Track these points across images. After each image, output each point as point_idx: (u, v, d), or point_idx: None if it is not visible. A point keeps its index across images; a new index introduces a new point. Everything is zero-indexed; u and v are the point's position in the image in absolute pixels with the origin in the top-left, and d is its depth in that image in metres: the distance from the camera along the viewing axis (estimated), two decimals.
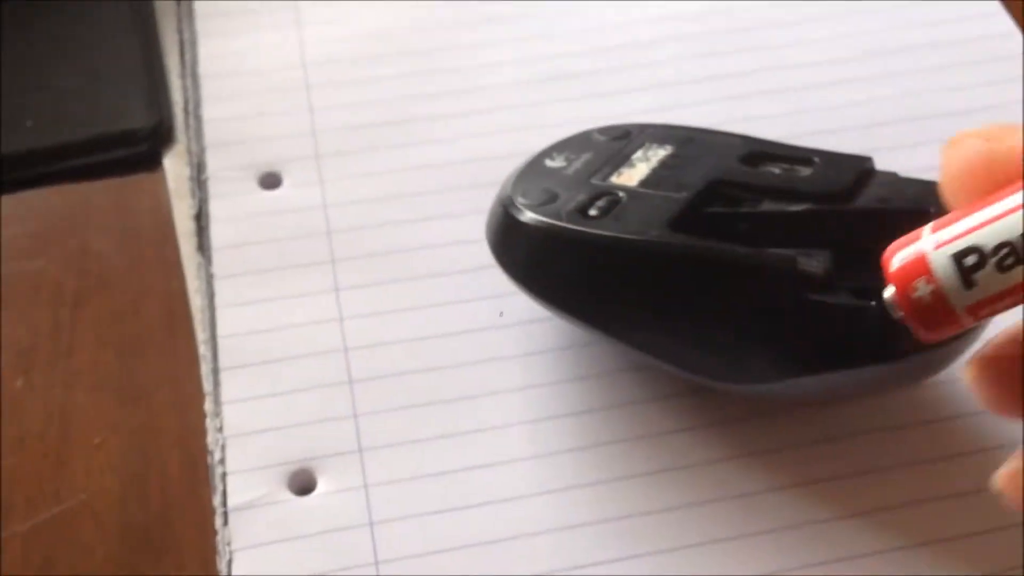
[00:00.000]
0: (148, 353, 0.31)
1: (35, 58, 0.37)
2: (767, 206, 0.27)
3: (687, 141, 0.29)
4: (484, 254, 0.31)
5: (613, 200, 0.27)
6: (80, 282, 0.33)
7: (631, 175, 0.28)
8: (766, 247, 0.26)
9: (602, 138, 0.30)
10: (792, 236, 0.26)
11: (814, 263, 0.25)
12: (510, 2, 0.38)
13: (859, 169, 0.28)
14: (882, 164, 0.28)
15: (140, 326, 0.32)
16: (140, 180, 0.35)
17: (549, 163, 0.29)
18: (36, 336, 0.32)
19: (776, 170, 0.28)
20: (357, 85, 0.36)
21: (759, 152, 0.29)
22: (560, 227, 0.27)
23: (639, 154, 0.29)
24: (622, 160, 0.29)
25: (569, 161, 0.29)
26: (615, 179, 0.28)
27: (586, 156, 0.29)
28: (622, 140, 0.30)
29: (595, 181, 0.28)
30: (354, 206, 0.33)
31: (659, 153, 0.29)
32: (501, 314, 0.30)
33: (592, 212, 0.27)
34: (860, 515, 0.26)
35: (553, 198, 0.28)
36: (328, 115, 0.35)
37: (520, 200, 0.28)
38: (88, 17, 0.38)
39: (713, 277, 0.26)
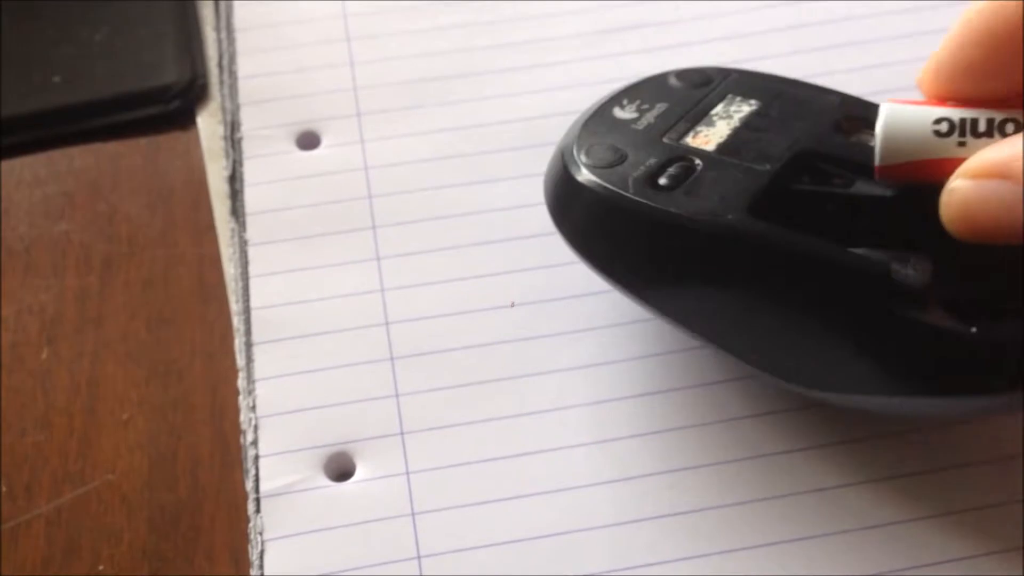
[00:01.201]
0: (180, 324, 0.30)
1: (62, 10, 0.35)
2: (861, 187, 0.24)
3: (775, 96, 0.26)
4: (537, 221, 0.28)
5: (687, 168, 0.24)
6: (109, 247, 0.31)
7: (709, 136, 0.25)
8: (858, 236, 0.22)
9: (679, 84, 0.27)
10: (888, 226, 0.23)
11: (911, 272, 0.22)
12: None
13: None
14: None
15: (171, 295, 0.30)
16: (172, 139, 0.33)
17: (618, 112, 0.26)
18: (62, 304, 0.30)
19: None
20: (403, 37, 0.34)
21: (857, 116, 0.25)
22: (626, 199, 0.24)
23: (720, 108, 0.26)
24: (700, 115, 0.26)
25: (641, 112, 0.26)
26: (691, 140, 0.25)
27: (660, 107, 0.26)
28: (702, 88, 0.26)
29: (668, 141, 0.25)
30: (398, 168, 0.30)
31: (742, 109, 0.26)
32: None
33: (662, 181, 0.24)
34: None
35: (620, 159, 0.25)
36: (371, 69, 0.33)
37: (583, 159, 0.25)
38: None
39: (791, 275, 0.23)
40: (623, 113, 0.26)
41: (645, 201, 0.24)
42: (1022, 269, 0.21)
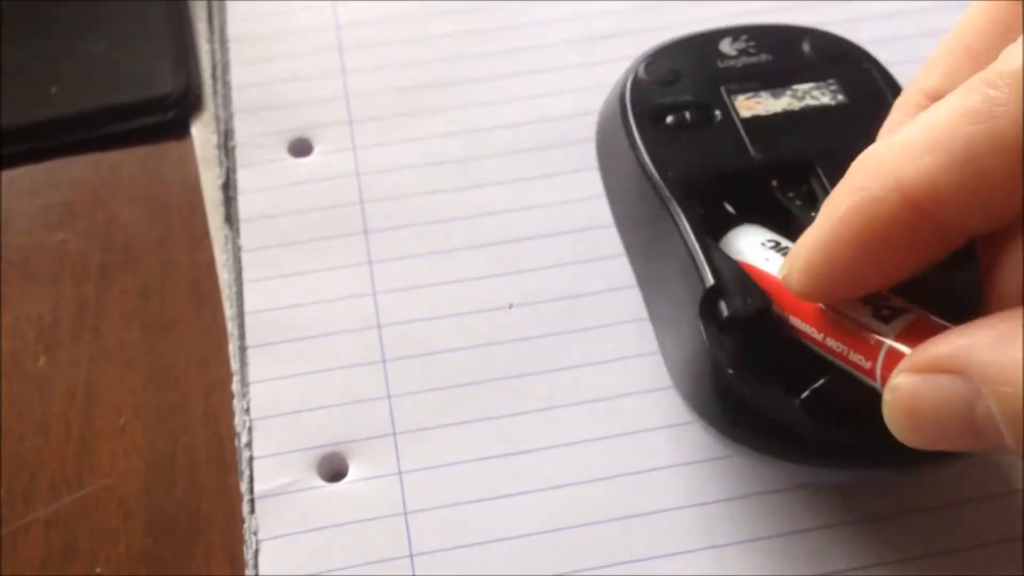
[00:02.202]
0: (175, 331, 0.30)
1: (60, 23, 0.36)
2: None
3: (875, 101, 0.25)
4: (527, 225, 0.29)
5: (704, 119, 0.25)
6: (106, 256, 0.32)
7: (759, 104, 0.26)
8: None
9: (806, 46, 0.27)
10: None
11: (739, 304, 0.22)
12: None
13: None
14: None
15: (167, 302, 0.31)
16: (168, 148, 0.34)
17: (723, 44, 0.27)
18: (60, 312, 0.30)
19: None
20: (393, 46, 0.34)
21: None
22: (625, 120, 0.25)
23: (804, 87, 0.26)
24: (782, 82, 0.26)
25: (741, 53, 0.27)
26: (742, 100, 0.26)
27: (765, 57, 0.27)
28: (822, 61, 0.27)
29: (728, 88, 0.26)
30: (389, 174, 0.31)
31: (821, 99, 0.26)
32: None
33: (669, 119, 0.25)
34: None
35: (671, 81, 0.26)
36: (362, 78, 0.33)
37: (642, 70, 0.26)
38: None
39: (667, 251, 0.24)
40: (726, 46, 0.27)
41: (629, 131, 0.25)
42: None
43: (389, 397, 0.27)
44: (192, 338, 0.30)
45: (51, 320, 0.30)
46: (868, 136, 0.24)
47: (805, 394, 0.21)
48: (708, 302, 0.23)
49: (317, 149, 0.32)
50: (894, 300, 0.21)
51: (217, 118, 0.33)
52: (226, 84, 0.33)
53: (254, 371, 0.27)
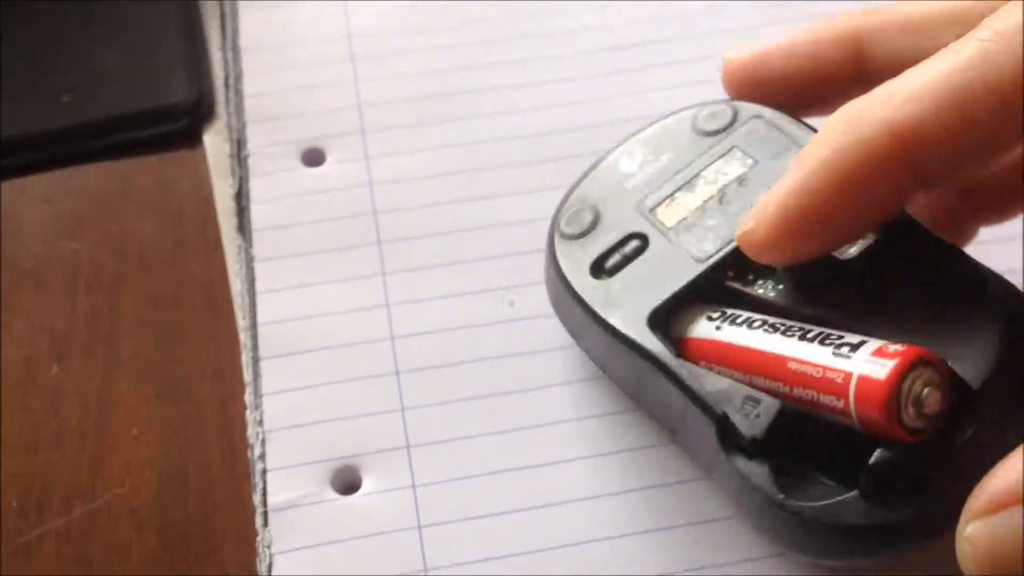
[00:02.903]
0: (189, 341, 0.30)
1: (72, 31, 0.36)
2: (781, 293, 0.23)
3: (778, 154, 0.25)
4: (540, 237, 0.29)
5: (639, 248, 0.25)
6: (119, 265, 0.32)
7: (678, 208, 0.25)
8: None
9: (696, 130, 0.26)
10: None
11: (749, 418, 0.22)
12: None
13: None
14: None
15: (180, 312, 0.31)
16: (180, 157, 0.34)
17: (623, 164, 0.26)
18: (73, 322, 0.30)
19: None
20: (405, 56, 0.34)
21: None
22: (568, 286, 0.25)
23: (711, 170, 0.25)
24: (690, 176, 0.25)
25: (642, 166, 0.26)
26: (663, 210, 0.25)
27: (665, 158, 0.26)
28: (717, 135, 0.26)
29: (646, 205, 0.25)
30: (402, 184, 0.31)
31: (731, 172, 0.25)
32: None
33: (609, 263, 0.25)
34: None
35: (592, 226, 0.26)
36: (375, 87, 0.33)
37: (563, 224, 0.26)
38: None
39: (660, 392, 0.24)
40: (627, 165, 0.26)
41: (580, 293, 0.25)
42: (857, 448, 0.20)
43: (403, 410, 0.27)
44: (205, 348, 0.30)
45: (64, 329, 0.30)
46: None
47: (861, 482, 0.20)
48: (725, 434, 0.22)
49: (329, 159, 0.32)
50: (848, 337, 0.21)
51: (230, 127, 0.33)
52: (238, 93, 0.33)
53: (267, 382, 0.27)
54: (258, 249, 0.30)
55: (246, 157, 0.32)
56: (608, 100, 0.30)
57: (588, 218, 0.26)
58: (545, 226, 0.28)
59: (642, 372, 0.24)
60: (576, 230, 0.26)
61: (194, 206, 0.33)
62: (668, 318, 0.24)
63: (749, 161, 0.25)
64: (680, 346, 0.24)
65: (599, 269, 0.25)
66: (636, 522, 0.25)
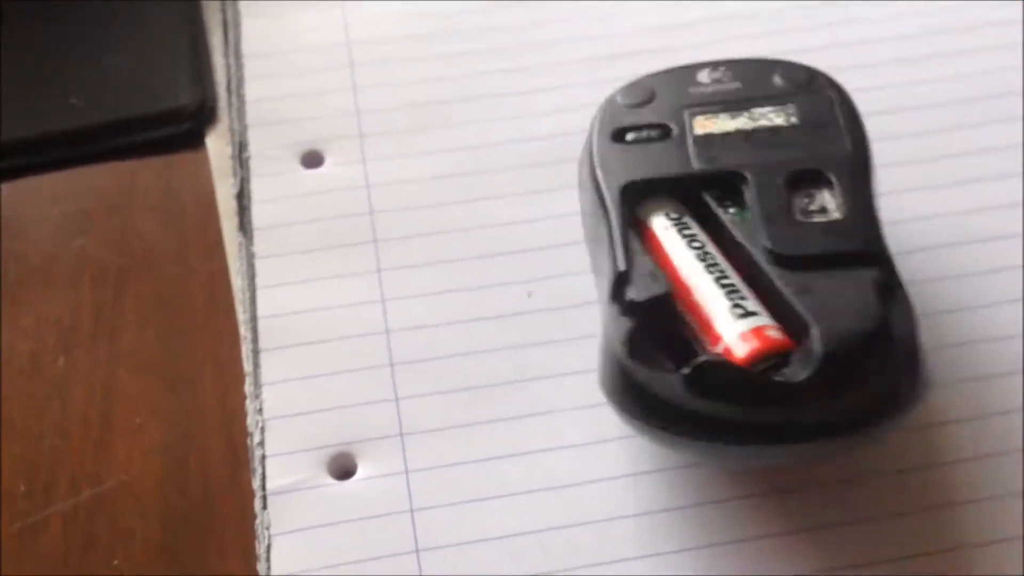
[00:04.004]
0: (191, 335, 0.31)
1: (80, 36, 0.37)
2: (736, 227, 0.26)
3: (822, 125, 0.27)
4: (531, 236, 0.30)
5: (660, 135, 0.28)
6: (123, 261, 0.33)
7: (712, 123, 0.28)
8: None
9: (777, 75, 0.29)
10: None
11: (637, 288, 0.25)
12: None
13: None
14: None
15: (183, 307, 0.32)
16: (183, 159, 0.35)
17: (700, 75, 0.29)
18: (79, 315, 0.32)
19: (806, 200, 0.26)
20: (402, 64, 0.35)
21: (817, 172, 0.27)
22: (590, 140, 0.28)
23: (761, 110, 0.28)
24: (741, 107, 0.28)
25: (714, 82, 0.29)
26: (700, 119, 0.28)
27: (735, 85, 0.29)
28: (788, 87, 0.28)
29: (691, 110, 0.28)
30: (397, 186, 0.32)
31: (774, 120, 0.28)
32: (530, 294, 0.30)
33: (631, 136, 0.28)
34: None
35: (643, 102, 0.28)
36: (372, 94, 0.34)
37: (619, 96, 0.29)
38: None
39: (599, 252, 0.27)
40: (703, 76, 0.29)
41: (592, 147, 0.28)
42: None
43: (396, 400, 0.28)
44: (207, 342, 0.31)
45: (70, 323, 0.31)
46: (809, 154, 0.26)
47: (686, 370, 0.23)
48: (617, 288, 0.25)
49: (328, 161, 0.33)
50: (751, 302, 0.24)
51: (232, 130, 0.34)
52: (240, 98, 0.35)
53: (267, 373, 0.28)
54: (259, 247, 0.31)
55: (247, 159, 0.33)
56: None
57: (641, 97, 0.29)
58: (538, 227, 0.30)
59: (596, 228, 0.27)
60: (625, 101, 0.29)
61: (196, 206, 0.34)
62: (641, 198, 0.27)
63: (794, 120, 0.28)
64: (637, 226, 0.26)
65: (619, 137, 0.28)
66: (621, 506, 0.26)
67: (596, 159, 0.27)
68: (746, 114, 0.28)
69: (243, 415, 0.29)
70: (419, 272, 0.30)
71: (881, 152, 0.28)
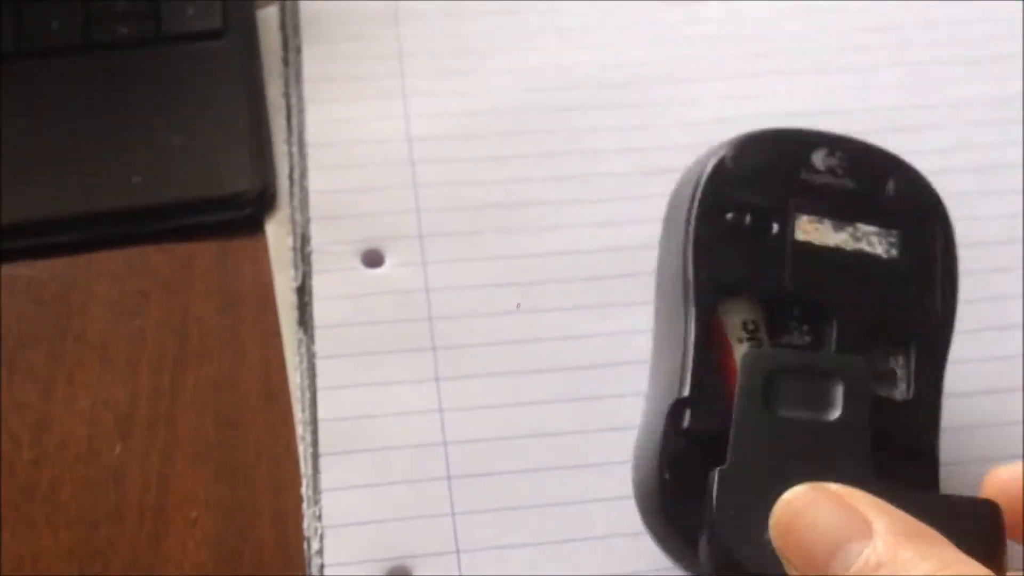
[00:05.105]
0: (245, 426, 0.32)
1: (145, 115, 0.37)
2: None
3: (922, 268, 0.27)
4: (592, 352, 0.31)
5: (760, 227, 0.27)
6: (181, 346, 0.33)
7: (815, 232, 0.27)
8: None
9: (890, 187, 0.28)
10: None
11: (693, 419, 0.25)
12: (621, 91, 0.38)
13: None
14: None
15: (238, 397, 0.32)
16: (241, 244, 0.36)
17: (815, 156, 0.28)
18: (136, 400, 0.32)
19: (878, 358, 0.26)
20: (462, 163, 0.36)
21: (896, 334, 0.26)
22: (691, 206, 0.27)
23: (867, 228, 0.27)
24: (848, 219, 0.27)
25: (828, 170, 0.28)
26: (804, 221, 0.27)
27: (848, 183, 0.27)
28: (898, 203, 0.27)
29: (796, 206, 0.27)
30: (457, 292, 0.33)
31: (876, 247, 0.27)
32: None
33: (729, 215, 0.27)
34: None
35: (750, 174, 0.27)
36: (432, 193, 0.35)
37: (730, 159, 0.28)
38: (196, 77, 0.38)
39: (672, 335, 0.27)
40: (818, 158, 0.28)
41: (696, 222, 0.27)
42: None
43: (453, 515, 0.28)
44: (261, 435, 0.31)
45: (128, 408, 0.32)
46: (898, 301, 0.26)
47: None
48: (677, 408, 0.25)
49: (388, 261, 0.34)
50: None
51: (294, 221, 0.35)
52: (303, 189, 0.35)
53: (326, 479, 0.29)
54: (320, 346, 0.32)
55: (310, 253, 0.34)
56: (654, 222, 0.32)
57: (753, 165, 0.27)
58: (596, 342, 0.30)
59: (671, 305, 0.27)
60: (735, 166, 0.27)
61: (253, 293, 0.35)
62: (726, 293, 0.26)
63: (894, 253, 0.27)
64: (711, 317, 0.26)
65: (720, 211, 0.27)
66: None
67: (692, 232, 0.26)
68: (848, 230, 0.27)
69: (296, 513, 0.30)
70: (477, 383, 0.31)
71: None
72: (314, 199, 0.35)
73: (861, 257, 0.27)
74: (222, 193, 0.36)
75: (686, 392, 0.25)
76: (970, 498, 0.23)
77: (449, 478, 0.29)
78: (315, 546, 0.28)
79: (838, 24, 0.41)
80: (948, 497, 0.23)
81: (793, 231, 0.27)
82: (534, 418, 0.30)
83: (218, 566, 0.29)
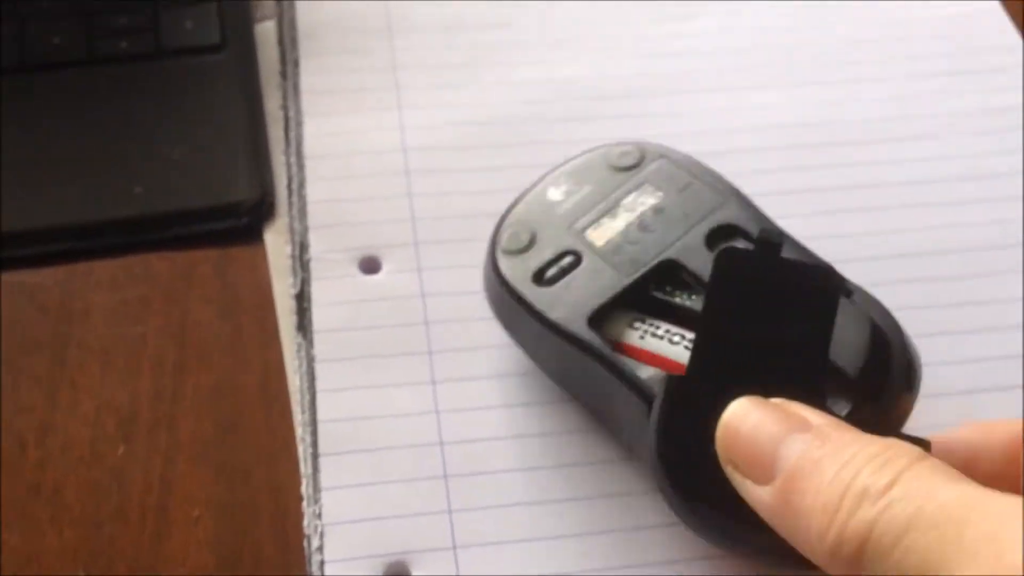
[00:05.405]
0: (245, 428, 0.32)
1: (145, 126, 0.38)
2: (693, 304, 0.28)
3: (684, 187, 0.30)
4: None
5: (573, 263, 0.29)
6: (181, 351, 0.34)
7: (605, 230, 0.30)
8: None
9: (611, 166, 0.31)
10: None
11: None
12: (613, 103, 0.39)
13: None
14: None
15: (238, 400, 0.33)
16: (240, 252, 0.36)
17: (551, 194, 0.31)
18: (137, 403, 0.33)
19: None
20: (456, 173, 0.37)
21: (731, 227, 0.29)
22: (512, 291, 0.29)
23: (629, 200, 0.30)
24: (611, 205, 0.30)
25: (567, 195, 0.31)
26: (591, 232, 0.30)
27: (586, 189, 0.31)
28: (629, 171, 0.31)
29: (573, 230, 0.30)
30: (451, 297, 0.34)
31: (647, 202, 0.30)
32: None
33: (549, 273, 0.29)
34: None
35: (530, 244, 0.30)
36: (427, 202, 0.36)
37: (502, 244, 0.30)
38: (196, 90, 0.39)
39: (596, 382, 0.28)
40: (555, 194, 0.31)
41: (521, 297, 0.29)
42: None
43: (450, 512, 0.29)
44: (261, 437, 0.32)
45: (129, 411, 0.33)
46: (699, 213, 0.29)
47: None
48: (678, 393, 0.26)
49: (385, 268, 0.35)
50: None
51: (292, 229, 0.36)
52: (302, 198, 0.36)
53: (326, 478, 0.30)
54: (319, 350, 0.32)
55: (309, 261, 0.34)
56: None
57: (526, 237, 0.30)
58: None
59: (579, 364, 0.28)
60: (516, 246, 0.30)
61: (252, 299, 0.35)
62: (602, 322, 0.28)
63: (660, 193, 0.30)
64: (612, 347, 0.28)
65: (540, 278, 0.29)
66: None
67: (538, 306, 0.29)
68: (622, 209, 0.30)
69: (295, 512, 0.30)
70: (472, 385, 0.32)
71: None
72: (312, 208, 0.36)
73: (647, 214, 0.30)
74: (221, 202, 0.37)
75: (657, 382, 0.26)
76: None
77: (446, 476, 0.30)
78: (315, 543, 0.29)
79: (828, 37, 0.42)
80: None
81: (594, 244, 0.30)
82: (527, 418, 0.31)
83: (220, 565, 0.30)
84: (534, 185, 0.32)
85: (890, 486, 0.20)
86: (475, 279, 0.34)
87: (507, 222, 0.31)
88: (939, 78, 0.41)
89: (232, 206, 0.37)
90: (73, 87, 0.39)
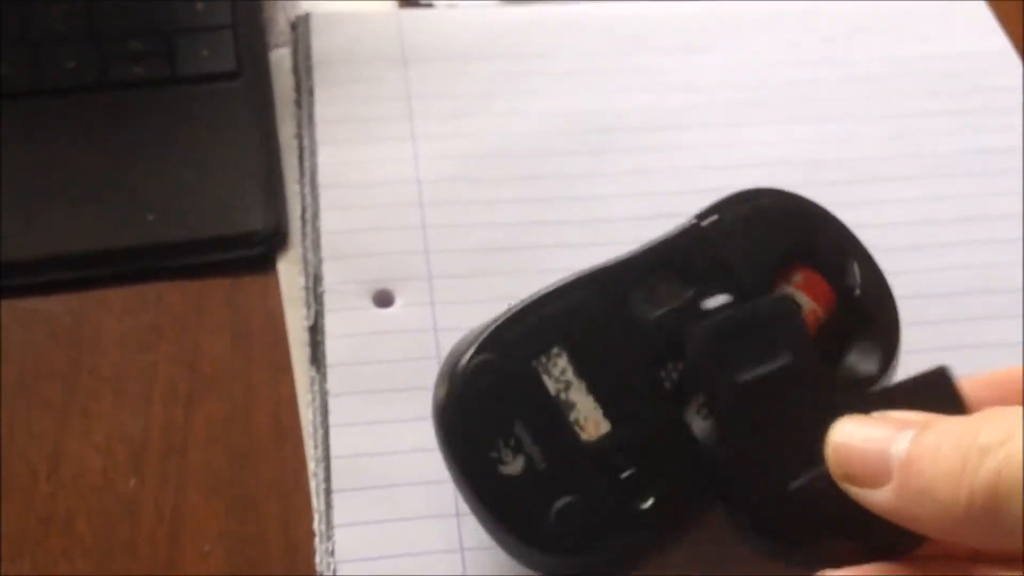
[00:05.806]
0: (257, 460, 0.32)
1: (157, 154, 0.38)
2: None
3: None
4: None
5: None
6: (193, 381, 0.34)
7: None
8: None
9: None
10: None
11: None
12: (626, 133, 0.40)
13: None
14: None
15: (250, 431, 0.33)
16: (252, 282, 0.36)
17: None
18: (149, 433, 0.33)
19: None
20: (469, 206, 0.37)
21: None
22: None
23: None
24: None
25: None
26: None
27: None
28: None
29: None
30: (464, 332, 0.34)
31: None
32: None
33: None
34: None
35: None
36: (440, 234, 0.36)
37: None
38: (210, 117, 0.39)
39: None
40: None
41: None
42: None
43: (462, 551, 0.29)
44: (272, 470, 0.32)
45: (141, 441, 0.33)
46: None
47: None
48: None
49: (398, 301, 0.35)
50: None
51: (306, 260, 0.36)
52: (316, 229, 0.36)
53: (339, 514, 0.30)
54: (332, 384, 0.32)
55: (322, 293, 0.35)
56: None
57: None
58: None
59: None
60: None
61: (265, 330, 0.35)
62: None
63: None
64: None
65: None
66: None
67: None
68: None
69: (306, 546, 0.30)
70: None
71: None
72: (326, 239, 0.36)
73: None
74: (234, 232, 0.37)
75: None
76: (921, 375, 0.27)
77: (458, 515, 0.30)
78: None
79: (830, 75, 0.42)
80: (903, 383, 0.27)
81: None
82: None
83: None
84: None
85: (1008, 438, 0.22)
86: (488, 313, 0.34)
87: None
88: (943, 117, 0.41)
89: (245, 235, 0.37)
90: (86, 112, 0.39)
